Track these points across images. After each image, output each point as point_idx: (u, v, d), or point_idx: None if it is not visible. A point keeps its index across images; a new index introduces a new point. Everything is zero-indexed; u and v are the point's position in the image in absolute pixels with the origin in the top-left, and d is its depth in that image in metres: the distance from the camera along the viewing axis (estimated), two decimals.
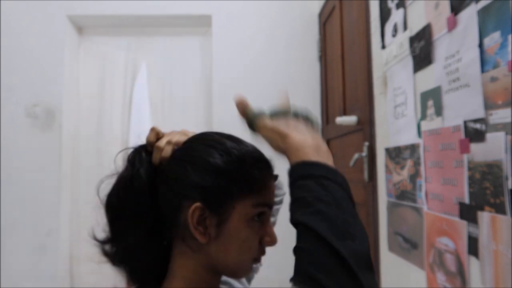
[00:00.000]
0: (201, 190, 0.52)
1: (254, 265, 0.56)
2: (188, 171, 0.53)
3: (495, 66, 0.71)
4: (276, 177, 0.59)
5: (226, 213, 0.52)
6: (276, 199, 0.70)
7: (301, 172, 0.50)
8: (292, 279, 0.44)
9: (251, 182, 0.53)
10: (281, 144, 0.54)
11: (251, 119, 0.58)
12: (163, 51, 2.47)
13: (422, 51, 0.99)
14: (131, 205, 0.55)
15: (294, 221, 0.49)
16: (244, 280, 0.66)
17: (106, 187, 0.58)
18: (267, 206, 0.55)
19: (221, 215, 0.52)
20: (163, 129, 0.63)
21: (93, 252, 0.61)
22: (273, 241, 0.55)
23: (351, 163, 1.48)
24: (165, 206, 0.55)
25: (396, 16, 1.15)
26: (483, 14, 0.74)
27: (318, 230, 0.45)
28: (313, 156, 0.51)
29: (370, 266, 0.46)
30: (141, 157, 0.57)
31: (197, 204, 0.51)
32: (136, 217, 0.54)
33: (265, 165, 0.56)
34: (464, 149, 0.80)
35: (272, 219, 0.64)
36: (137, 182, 0.55)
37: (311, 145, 0.53)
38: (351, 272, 0.43)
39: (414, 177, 1.04)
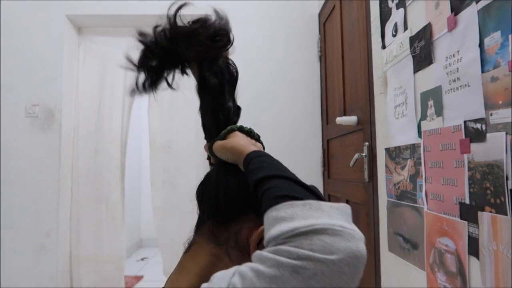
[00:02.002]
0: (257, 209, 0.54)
1: None
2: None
3: (496, 66, 0.70)
4: None
5: None
6: None
7: (249, 158, 0.56)
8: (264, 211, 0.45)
9: None
10: (230, 155, 0.61)
11: (210, 148, 0.66)
12: None
13: (422, 51, 0.99)
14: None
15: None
16: None
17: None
18: None
19: None
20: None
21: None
22: None
23: (351, 163, 1.48)
24: (229, 207, 0.59)
25: (396, 16, 1.15)
26: (483, 14, 0.74)
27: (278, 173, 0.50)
28: (251, 148, 0.59)
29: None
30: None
31: (262, 227, 0.51)
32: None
33: None
34: (465, 149, 0.80)
35: None
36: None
37: (247, 143, 0.61)
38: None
39: (414, 177, 1.04)
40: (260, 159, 0.54)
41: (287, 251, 0.40)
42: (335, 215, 0.42)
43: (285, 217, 0.42)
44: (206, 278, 0.50)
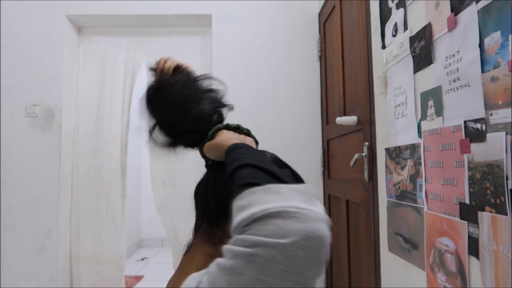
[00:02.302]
0: None
1: None
2: None
3: (496, 66, 0.70)
4: None
5: None
6: None
7: (228, 152, 0.56)
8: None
9: None
10: (216, 153, 0.61)
11: (200, 151, 0.67)
12: (163, 51, 2.46)
13: (422, 51, 0.99)
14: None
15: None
16: None
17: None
18: None
19: None
20: None
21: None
22: None
23: (351, 163, 1.48)
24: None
25: (396, 16, 1.15)
26: (483, 14, 0.74)
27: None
28: (231, 142, 0.59)
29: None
30: None
31: None
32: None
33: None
34: (465, 149, 0.80)
35: None
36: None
37: (230, 138, 0.61)
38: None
39: (414, 177, 1.04)
40: (237, 151, 0.54)
41: (243, 240, 0.39)
42: (292, 197, 0.40)
43: (244, 206, 0.41)
44: None
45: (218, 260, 0.39)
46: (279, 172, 0.46)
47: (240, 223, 0.40)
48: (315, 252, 0.37)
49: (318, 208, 0.40)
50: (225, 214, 0.57)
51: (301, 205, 0.39)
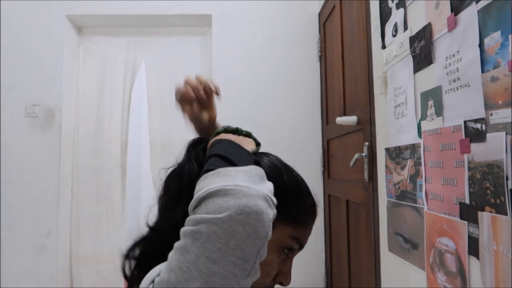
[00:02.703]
0: None
1: None
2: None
3: (496, 66, 0.70)
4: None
5: None
6: None
7: (209, 148, 0.56)
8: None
9: (298, 212, 0.55)
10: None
11: None
12: (163, 51, 2.47)
13: (422, 51, 0.99)
14: (175, 187, 0.58)
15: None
16: None
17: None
18: (299, 245, 0.56)
19: None
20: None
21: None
22: (286, 282, 0.56)
23: (351, 163, 1.48)
24: None
25: (396, 16, 1.15)
26: (483, 14, 0.74)
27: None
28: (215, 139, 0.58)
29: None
30: (196, 146, 0.62)
31: None
32: (177, 198, 0.56)
33: (315, 207, 0.60)
34: (465, 149, 0.80)
35: None
36: (186, 169, 0.59)
37: (219, 137, 0.59)
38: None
39: (414, 177, 1.04)
40: (216, 146, 0.54)
41: (190, 220, 0.41)
42: (238, 177, 0.43)
43: (197, 190, 0.44)
44: None
45: (175, 243, 0.42)
46: (238, 159, 0.48)
47: (191, 206, 0.43)
48: (253, 227, 0.39)
49: (260, 187, 0.42)
50: None
51: (241, 183, 0.41)
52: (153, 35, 2.49)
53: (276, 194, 0.50)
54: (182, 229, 0.41)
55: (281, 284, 0.56)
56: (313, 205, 0.60)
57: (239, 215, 0.39)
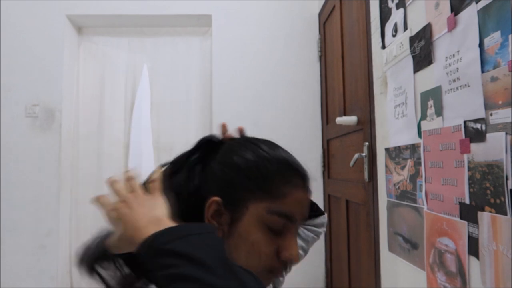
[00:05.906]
0: (221, 185, 0.53)
1: (275, 278, 0.55)
2: (216, 166, 0.55)
3: (495, 66, 0.70)
4: (309, 191, 0.57)
5: (239, 212, 0.52)
6: (310, 227, 0.74)
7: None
8: None
9: (269, 186, 0.53)
10: (127, 246, 0.48)
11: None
12: (163, 51, 2.47)
13: (422, 51, 0.99)
14: (173, 184, 0.56)
15: None
16: None
17: None
18: (285, 217, 0.52)
19: (234, 213, 0.52)
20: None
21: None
22: (291, 256, 0.53)
23: (351, 163, 1.48)
24: (197, 196, 0.54)
25: (396, 16, 1.15)
26: (483, 14, 0.74)
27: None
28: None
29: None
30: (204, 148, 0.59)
31: (215, 198, 0.52)
32: (175, 196, 0.54)
33: (293, 174, 0.55)
34: (464, 149, 0.80)
35: (300, 242, 0.66)
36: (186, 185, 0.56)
37: (146, 224, 0.47)
38: None
39: (414, 177, 1.04)
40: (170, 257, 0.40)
41: None
42: None
43: None
44: None
45: None
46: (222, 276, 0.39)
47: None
48: None
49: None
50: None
51: None
52: (153, 35, 2.49)
53: (239, 173, 0.53)
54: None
55: (290, 261, 0.53)
56: (291, 174, 0.55)
57: None
